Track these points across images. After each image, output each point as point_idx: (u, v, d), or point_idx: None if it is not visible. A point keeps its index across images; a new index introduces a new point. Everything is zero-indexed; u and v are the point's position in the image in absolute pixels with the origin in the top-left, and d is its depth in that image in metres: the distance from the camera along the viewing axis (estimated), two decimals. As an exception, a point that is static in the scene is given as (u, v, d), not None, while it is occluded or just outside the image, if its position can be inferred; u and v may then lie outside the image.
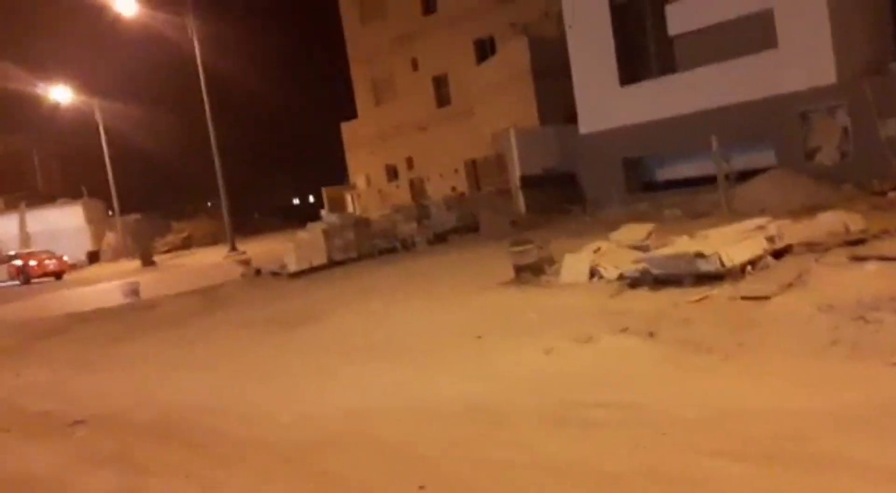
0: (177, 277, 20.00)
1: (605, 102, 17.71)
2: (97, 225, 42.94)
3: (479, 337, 6.71)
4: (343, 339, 7.79)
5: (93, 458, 5.14)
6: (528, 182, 19.95)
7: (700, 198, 14.98)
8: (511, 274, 9.03)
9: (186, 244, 42.13)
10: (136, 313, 12.68)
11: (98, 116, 38.21)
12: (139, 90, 47.13)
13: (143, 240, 38.67)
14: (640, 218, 14.84)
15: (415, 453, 4.25)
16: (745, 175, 14.08)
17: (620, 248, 8.25)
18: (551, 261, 8.68)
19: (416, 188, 34.65)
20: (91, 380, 7.94)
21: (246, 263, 15.46)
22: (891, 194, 11.54)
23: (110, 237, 40.24)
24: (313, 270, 14.41)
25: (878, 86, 13.42)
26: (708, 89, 15.20)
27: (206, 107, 26.24)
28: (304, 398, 5.85)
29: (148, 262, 32.84)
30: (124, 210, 43.88)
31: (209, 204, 65.84)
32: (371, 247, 15.49)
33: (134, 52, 44.98)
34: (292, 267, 14.26)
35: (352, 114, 41.82)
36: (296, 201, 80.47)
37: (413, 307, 8.57)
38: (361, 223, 15.54)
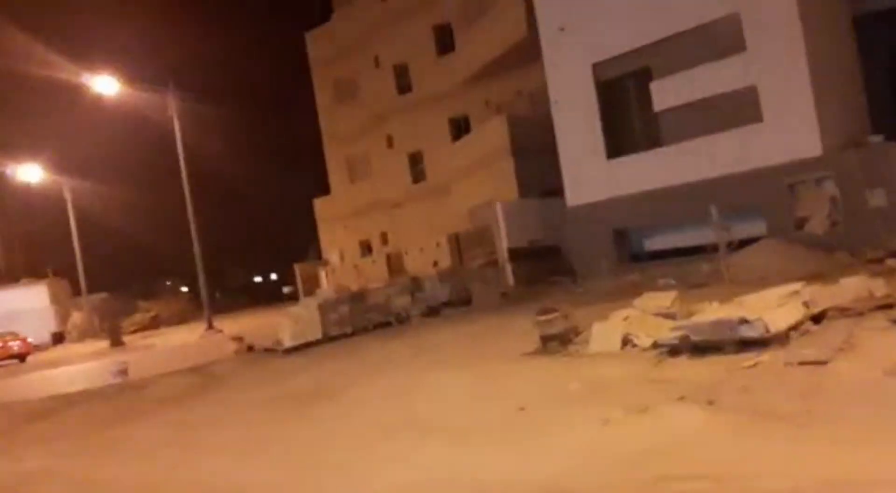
0: (158, 356, 19.30)
1: (592, 175, 18.00)
2: (62, 305, 41.74)
3: (522, 409, 6.48)
4: (371, 416, 7.47)
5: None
6: (515, 254, 20.01)
7: (692, 267, 15.10)
8: (532, 345, 8.87)
9: (154, 324, 41.10)
10: (125, 394, 12.11)
11: (67, 195, 37.63)
12: (104, 168, 46.70)
13: (110, 320, 37.61)
14: (632, 289, 14.90)
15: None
16: (738, 245, 14.26)
17: (647, 316, 8.17)
18: (576, 331, 8.55)
19: (394, 263, 34.49)
20: (101, 467, 7.44)
21: (238, 339, 15.00)
22: (889, 261, 11.75)
23: (76, 317, 39.07)
24: (309, 345, 14.03)
25: (861, 157, 13.88)
26: (696, 162, 15.57)
27: (185, 186, 26.08)
28: (356, 481, 5.52)
29: (117, 342, 31.79)
30: (90, 289, 42.81)
31: (168, 283, 64.76)
32: (366, 321, 15.20)
33: (102, 130, 44.72)
34: (288, 342, 13.88)
35: (325, 190, 41.95)
36: (257, 279, 79.55)
37: (437, 381, 8.29)
38: (356, 297, 15.28)
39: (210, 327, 25.95)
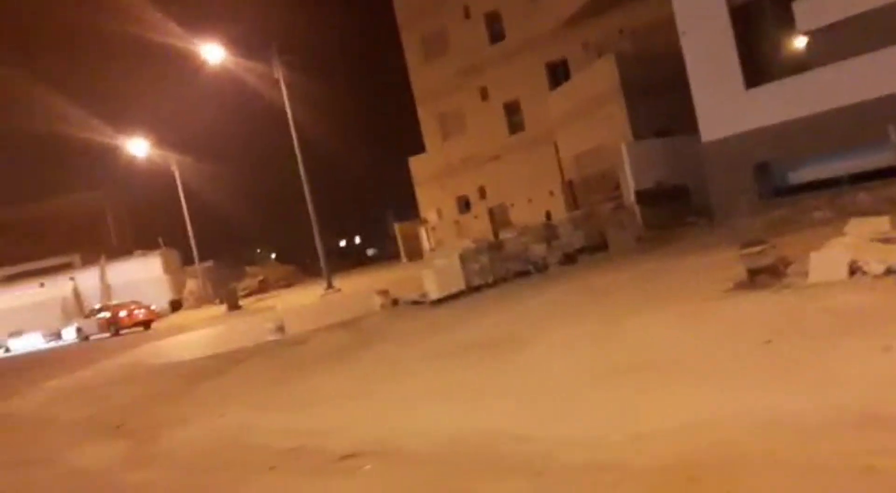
0: (305, 314, 19.40)
1: (729, 108, 17.00)
2: (174, 274, 43.32)
3: (769, 342, 6.01)
4: (580, 361, 7.14)
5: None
6: (643, 197, 19.28)
7: (848, 198, 14.14)
8: (724, 282, 8.34)
9: (263, 288, 42.18)
10: (288, 350, 12.22)
11: (175, 169, 38.70)
12: (201, 138, 47.61)
13: (225, 285, 38.82)
14: (784, 224, 14.06)
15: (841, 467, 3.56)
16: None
17: (869, 241, 7.51)
18: (787, 262, 7.96)
19: (497, 216, 34.14)
20: (302, 418, 7.39)
21: (384, 293, 14.98)
22: None
23: (191, 284, 40.47)
24: (454, 296, 13.86)
25: None
26: (859, 81, 14.41)
27: (298, 154, 26.29)
28: (610, 417, 5.21)
29: (234, 306, 32.79)
30: (201, 259, 44.28)
31: (258, 250, 66.32)
32: (505, 270, 14.90)
33: (197, 99, 45.55)
34: (434, 295, 13.73)
35: (419, 150, 41.73)
36: (342, 243, 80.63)
37: (639, 324, 7.88)
38: (494, 247, 14.98)
39: (330, 286, 26.30)
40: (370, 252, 77.43)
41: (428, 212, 40.92)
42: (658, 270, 11.43)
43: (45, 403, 12.73)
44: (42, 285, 43.14)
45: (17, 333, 38.08)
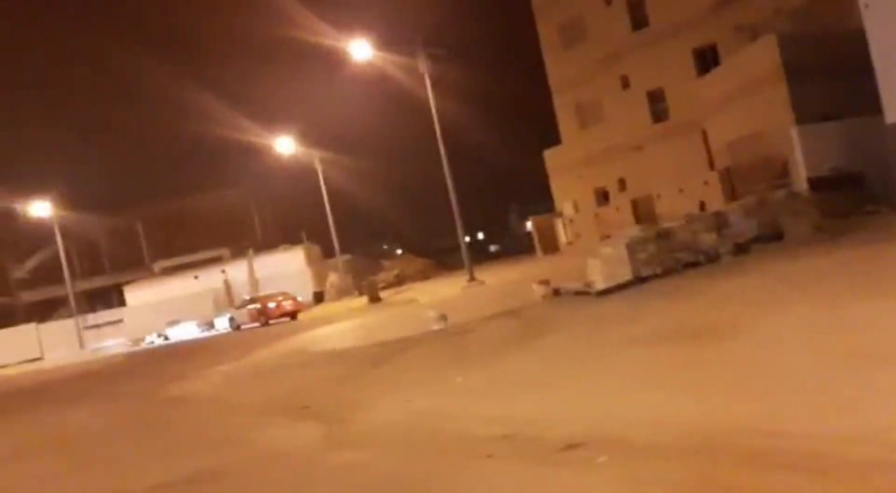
0: (446, 306, 19.44)
1: (922, 84, 15.38)
2: (316, 267, 44.80)
3: None
4: (817, 349, 6.44)
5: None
6: (817, 184, 17.86)
7: None
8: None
9: (399, 281, 42.81)
10: (455, 339, 12.06)
11: (318, 165, 39.96)
12: (343, 134, 48.82)
13: (363, 278, 39.72)
14: None
15: None
16: None
17: None
18: None
19: (641, 208, 32.95)
20: (500, 404, 7.09)
21: (545, 282, 14.59)
22: None
23: (333, 277, 41.66)
24: (620, 287, 13.24)
25: None
26: None
27: (441, 149, 26.33)
28: (875, 411, 4.56)
29: (375, 298, 33.38)
30: (334, 253, 45.58)
31: (384, 246, 67.27)
32: (673, 260, 14.12)
33: (343, 98, 46.79)
34: (600, 284, 13.18)
35: (554, 141, 41.05)
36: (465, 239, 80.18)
37: (868, 309, 7.06)
38: (662, 235, 14.23)
39: (472, 278, 26.20)
40: (493, 248, 77.04)
41: (563, 204, 40.16)
42: (863, 257, 10.38)
43: (221, 386, 13.22)
44: (196, 277, 45.76)
45: (174, 322, 40.54)
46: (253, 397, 11.04)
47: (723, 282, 11.55)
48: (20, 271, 53.92)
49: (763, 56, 23.45)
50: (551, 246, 40.01)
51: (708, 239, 14.53)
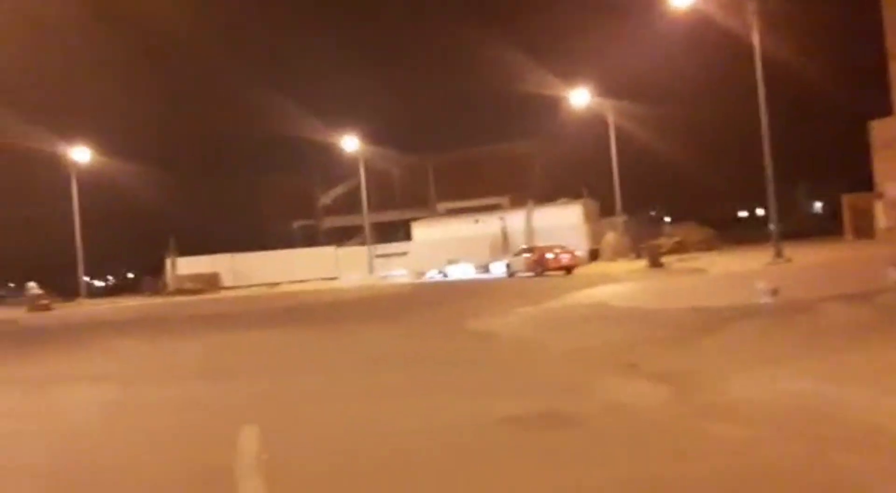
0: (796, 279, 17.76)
1: None
2: (593, 224, 44.18)
3: None
4: None
5: None
6: None
7: None
8: None
9: (680, 249, 40.65)
10: (791, 318, 10.76)
11: (609, 119, 38.93)
12: (645, 86, 46.53)
13: (640, 241, 38.37)
14: None
15: None
16: None
17: None
18: None
19: None
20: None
21: (902, 266, 12.61)
22: None
23: (610, 236, 40.80)
24: None
25: None
26: None
27: (761, 102, 24.01)
28: None
29: (656, 263, 31.97)
30: (612, 211, 44.46)
31: (651, 212, 63.38)
32: None
33: (644, 46, 44.54)
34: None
35: (884, 112, 35.81)
36: (741, 214, 72.78)
37: None
38: None
39: (779, 254, 23.91)
40: (771, 227, 69.36)
41: (886, 185, 35.08)
42: None
43: (526, 328, 13.22)
44: (477, 221, 47.46)
45: (453, 261, 42.52)
46: (566, 345, 10.81)
47: None
48: (326, 198, 60.07)
49: None
50: (865, 230, 35.34)
51: None
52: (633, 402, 6.93)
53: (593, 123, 44.18)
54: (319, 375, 10.04)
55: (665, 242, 42.02)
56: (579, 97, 40.41)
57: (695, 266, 29.19)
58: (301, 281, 46.47)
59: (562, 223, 43.22)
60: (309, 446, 6.17)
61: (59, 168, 47.24)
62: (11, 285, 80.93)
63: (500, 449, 5.64)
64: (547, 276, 32.91)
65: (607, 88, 40.57)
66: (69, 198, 45.60)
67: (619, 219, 41.40)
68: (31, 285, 40.84)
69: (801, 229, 45.60)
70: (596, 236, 43.26)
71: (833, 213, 52.57)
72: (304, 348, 13.61)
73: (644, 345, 9.99)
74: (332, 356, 12.05)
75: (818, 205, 68.74)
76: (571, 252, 34.60)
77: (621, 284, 22.94)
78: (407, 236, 52.17)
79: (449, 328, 14.66)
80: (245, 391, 9.06)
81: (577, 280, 28.17)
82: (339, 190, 60.00)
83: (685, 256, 37.10)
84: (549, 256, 33.96)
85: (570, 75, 42.67)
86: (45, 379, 11.33)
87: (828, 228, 44.94)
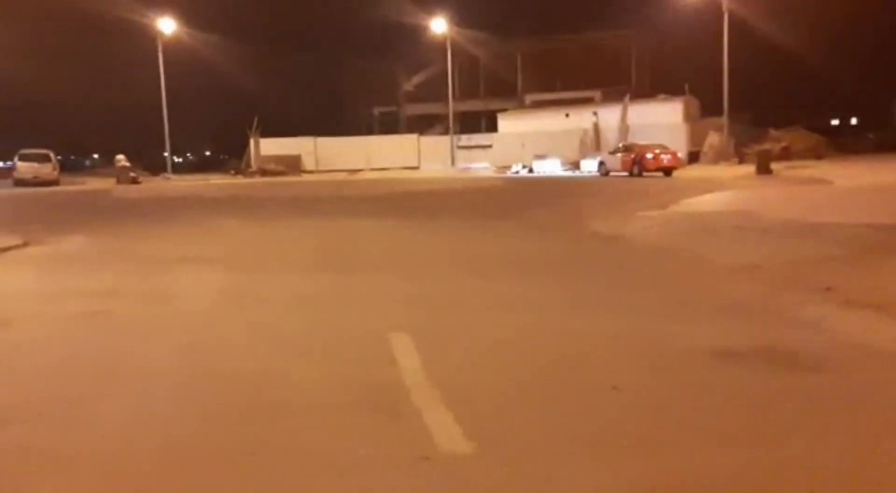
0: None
1: None
2: (693, 124, 41.54)
3: None
4: None
5: None
6: None
7: None
8: None
9: (785, 156, 37.93)
10: None
11: (724, 4, 35.55)
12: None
13: (744, 145, 35.85)
14: None
15: None
16: None
17: None
18: None
19: None
20: None
21: None
22: None
23: (714, 138, 38.28)
24: None
25: None
26: None
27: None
28: None
29: (764, 170, 29.77)
30: (715, 112, 41.59)
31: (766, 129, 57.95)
32: None
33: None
34: None
35: None
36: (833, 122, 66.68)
37: None
38: None
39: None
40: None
41: None
42: None
43: (665, 235, 11.92)
44: (567, 115, 45.26)
45: (541, 156, 40.83)
46: (728, 259, 9.46)
47: None
48: (408, 85, 58.22)
49: None
50: None
51: None
52: (868, 340, 5.69)
53: (696, 13, 40.72)
54: (457, 275, 9.06)
55: (771, 146, 39.27)
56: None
57: (811, 175, 26.92)
58: (382, 169, 45.71)
59: (660, 121, 40.77)
60: (481, 364, 5.20)
61: (144, 39, 46.66)
62: (95, 156, 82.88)
63: (735, 395, 4.52)
64: (645, 177, 31.11)
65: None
66: (155, 69, 45.11)
67: (726, 119, 38.61)
68: (120, 157, 41.15)
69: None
70: (696, 138, 40.72)
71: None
72: (426, 243, 12.65)
73: (829, 264, 8.61)
74: (460, 254, 11.02)
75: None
76: (673, 153, 32.53)
77: (742, 190, 21.18)
78: (491, 128, 50.42)
79: (574, 231, 13.47)
80: (377, 289, 8.16)
81: (685, 183, 26.35)
82: (420, 77, 57.98)
83: (794, 163, 34.55)
84: (649, 156, 31.98)
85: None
86: (156, 259, 10.75)
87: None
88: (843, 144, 43.48)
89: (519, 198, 23.44)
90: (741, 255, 9.64)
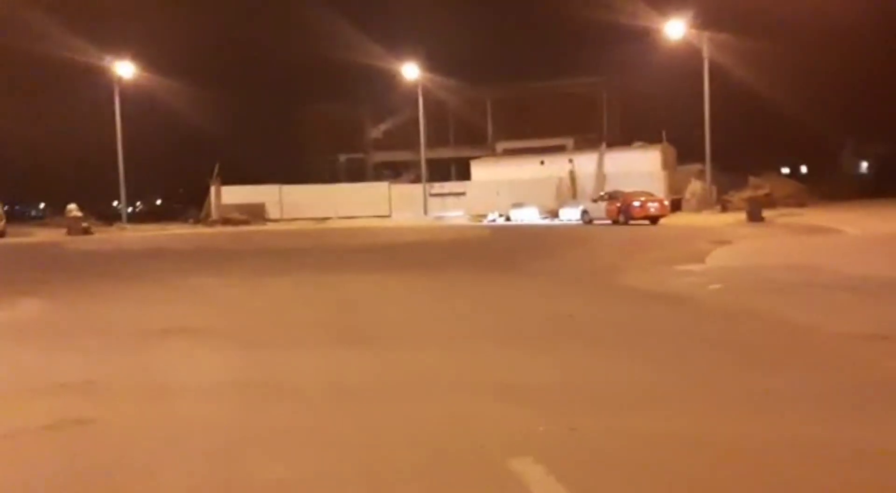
0: None
1: None
2: (671, 171, 40.87)
3: None
4: None
5: None
6: None
7: None
8: None
9: (769, 202, 37.28)
10: None
11: (705, 51, 35.17)
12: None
13: (723, 192, 35.10)
14: None
15: None
16: None
17: None
18: None
19: None
20: None
21: None
22: None
23: (696, 186, 37.53)
24: None
25: None
26: None
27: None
28: None
29: (756, 217, 28.91)
30: (688, 159, 41.14)
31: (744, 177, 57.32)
32: None
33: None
34: None
35: None
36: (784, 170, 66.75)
37: None
38: None
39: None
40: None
41: None
42: None
43: (729, 292, 10.38)
44: (542, 162, 44.27)
45: (518, 204, 39.58)
46: (834, 325, 7.94)
47: None
48: (376, 132, 56.82)
49: None
50: None
51: None
52: None
53: (665, 61, 40.41)
54: (523, 346, 7.27)
55: (752, 194, 38.71)
56: (673, 29, 36.56)
57: (809, 223, 26.00)
58: (351, 218, 43.91)
59: (638, 169, 39.99)
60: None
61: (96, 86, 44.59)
62: (42, 205, 78.97)
63: None
64: (631, 225, 29.95)
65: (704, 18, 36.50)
66: (106, 115, 42.91)
67: (707, 166, 37.95)
68: (72, 206, 38.61)
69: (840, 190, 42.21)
70: (674, 185, 40.00)
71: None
72: (449, 302, 10.83)
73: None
74: (500, 318, 9.22)
75: (865, 165, 63.38)
76: (660, 201, 31.56)
77: (755, 240, 19.97)
78: (461, 175, 49.18)
79: (605, 286, 11.89)
80: (438, 374, 6.31)
81: (677, 232, 25.27)
82: (387, 124, 56.71)
83: (781, 211, 33.84)
84: (636, 203, 30.91)
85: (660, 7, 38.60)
86: (134, 330, 8.72)
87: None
88: (823, 191, 43.23)
89: (515, 248, 21.88)
90: (848, 321, 8.11)
